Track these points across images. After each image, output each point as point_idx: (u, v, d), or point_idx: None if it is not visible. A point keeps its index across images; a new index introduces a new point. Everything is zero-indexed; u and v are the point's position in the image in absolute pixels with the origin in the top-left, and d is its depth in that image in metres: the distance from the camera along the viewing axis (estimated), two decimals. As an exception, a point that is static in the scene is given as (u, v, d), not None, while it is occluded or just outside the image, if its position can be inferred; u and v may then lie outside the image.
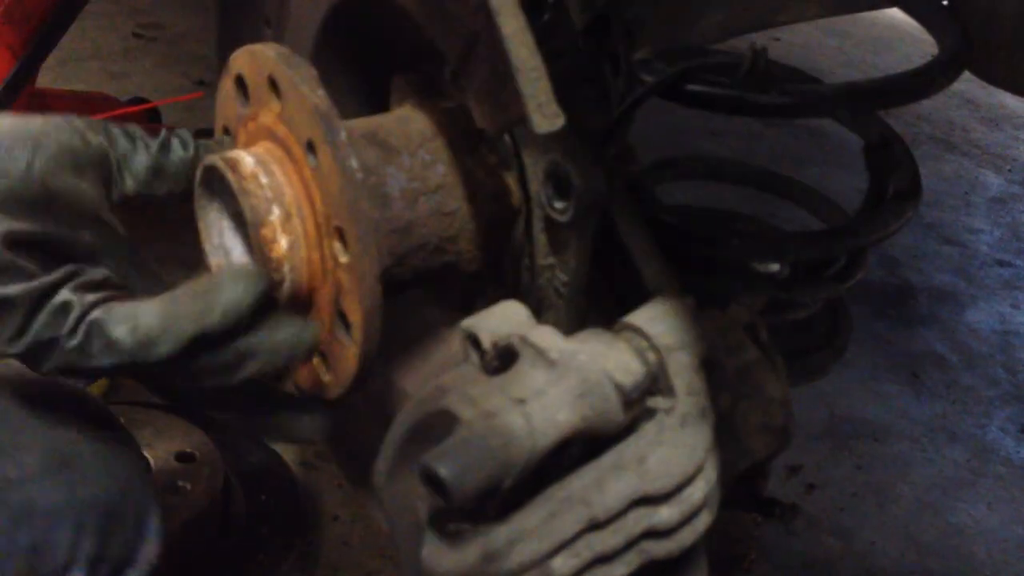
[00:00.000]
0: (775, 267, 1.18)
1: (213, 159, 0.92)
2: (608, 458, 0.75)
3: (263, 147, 0.93)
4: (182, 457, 1.62)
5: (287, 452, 1.79)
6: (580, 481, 0.74)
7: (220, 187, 0.93)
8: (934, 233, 2.93)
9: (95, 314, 0.80)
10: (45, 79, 1.95)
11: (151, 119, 2.36)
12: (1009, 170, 3.43)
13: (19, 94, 1.85)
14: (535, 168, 0.94)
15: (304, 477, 1.76)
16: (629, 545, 0.76)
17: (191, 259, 2.22)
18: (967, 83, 3.85)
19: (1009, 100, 3.84)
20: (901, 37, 3.92)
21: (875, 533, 1.91)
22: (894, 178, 1.23)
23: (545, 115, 0.79)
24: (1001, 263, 2.86)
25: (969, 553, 1.92)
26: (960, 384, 2.36)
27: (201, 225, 0.98)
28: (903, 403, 2.27)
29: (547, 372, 0.73)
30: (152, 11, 3.38)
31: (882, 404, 2.25)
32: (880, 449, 2.13)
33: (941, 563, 1.88)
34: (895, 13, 3.60)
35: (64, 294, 0.80)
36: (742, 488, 1.00)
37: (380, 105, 1.14)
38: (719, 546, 0.89)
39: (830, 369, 1.30)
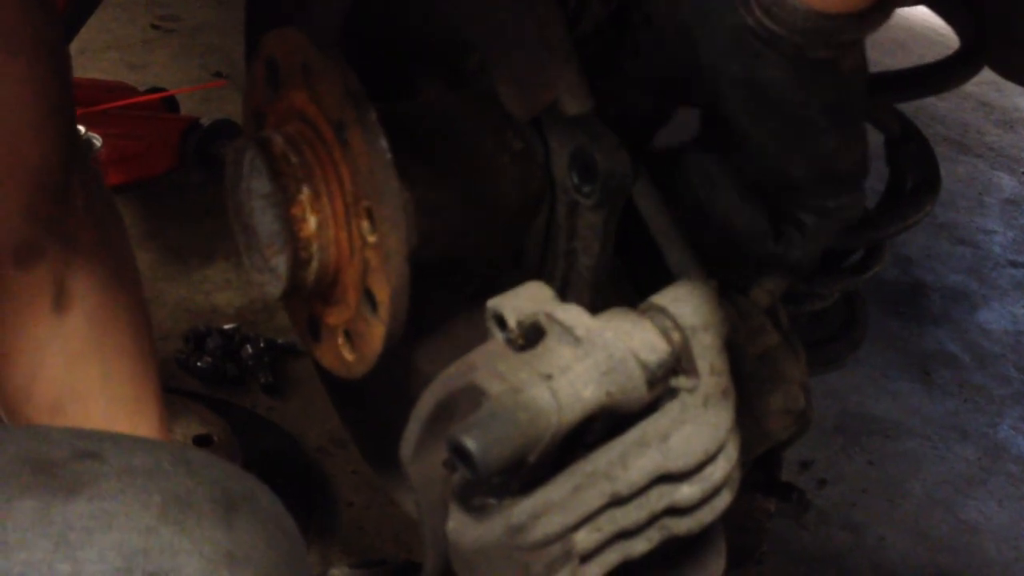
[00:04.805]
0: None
1: (244, 139, 0.94)
2: (632, 435, 0.76)
3: (293, 127, 0.94)
4: (200, 440, 1.64)
5: (303, 438, 1.81)
6: (604, 456, 0.75)
7: (250, 168, 0.95)
8: (947, 233, 2.94)
9: None
10: (66, 68, 1.96)
11: (169, 108, 2.38)
12: (1023, 172, 3.43)
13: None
14: (560, 153, 0.96)
15: (319, 463, 1.78)
16: (651, 521, 0.77)
17: (209, 247, 2.24)
18: (982, 86, 3.86)
19: (1024, 103, 3.85)
20: (916, 38, 3.92)
21: (886, 528, 1.92)
22: (914, 172, 1.24)
23: (575, 97, 0.80)
24: (1014, 264, 2.87)
25: (979, 549, 1.92)
26: (972, 383, 2.37)
27: (230, 206, 1.00)
28: (915, 401, 2.28)
29: (573, 348, 0.75)
30: (170, 3, 3.39)
31: (894, 401, 2.26)
32: (891, 446, 2.14)
33: (951, 559, 1.89)
34: (910, 14, 3.59)
35: None
36: (759, 472, 1.02)
37: (404, 94, 1.15)
38: (731, 537, 0.90)
39: (846, 361, 1.31)
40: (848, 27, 0.67)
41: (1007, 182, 3.35)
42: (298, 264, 0.93)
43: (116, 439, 0.77)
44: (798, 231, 0.89)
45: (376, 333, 0.94)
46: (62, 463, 0.69)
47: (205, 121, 2.24)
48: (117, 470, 0.70)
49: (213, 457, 0.79)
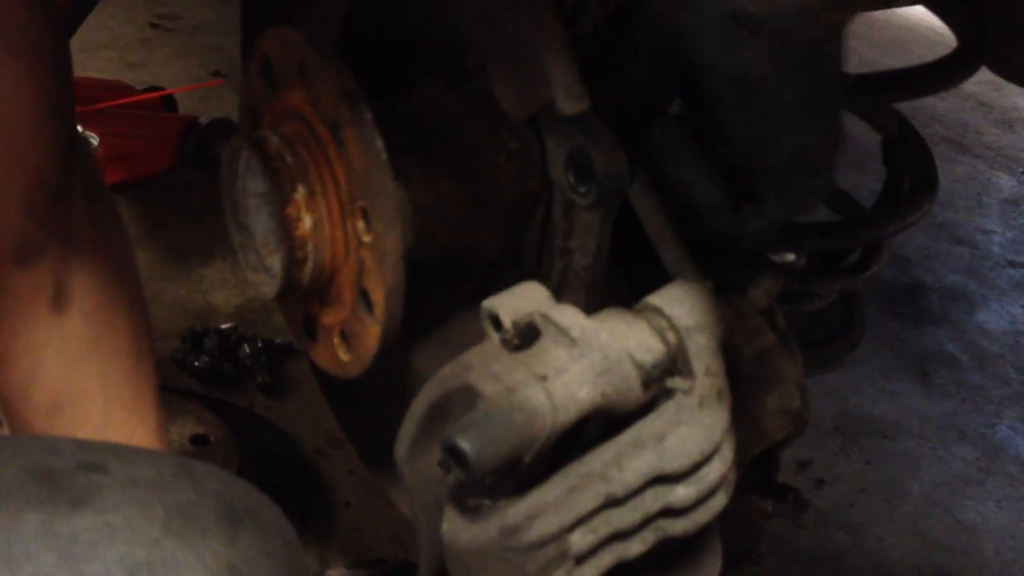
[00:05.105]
0: (791, 257, 1.18)
1: (239, 139, 0.94)
2: (627, 436, 0.76)
3: (289, 127, 0.94)
4: (197, 440, 1.64)
5: (300, 438, 1.80)
6: (599, 457, 0.75)
7: (245, 167, 0.95)
8: (946, 233, 2.94)
9: None
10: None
11: (167, 107, 2.38)
12: (1022, 172, 3.43)
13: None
14: (557, 153, 0.95)
15: (317, 463, 1.77)
16: (646, 522, 0.77)
17: (208, 246, 2.24)
18: (981, 85, 3.86)
19: (1023, 103, 3.84)
20: (915, 39, 3.92)
21: (884, 529, 1.92)
22: (911, 172, 1.24)
23: (571, 97, 0.80)
24: (1013, 264, 2.87)
25: (977, 550, 1.92)
26: (970, 383, 2.37)
27: (226, 205, 1.00)
28: (913, 401, 2.28)
29: (569, 349, 0.74)
30: (169, 2, 3.39)
31: (892, 402, 2.26)
32: (890, 446, 2.13)
33: (949, 559, 1.89)
34: (909, 15, 3.56)
35: None
36: (756, 473, 1.01)
37: (404, 94, 1.15)
38: (728, 538, 0.90)
39: (844, 361, 1.31)
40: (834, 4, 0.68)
41: (1006, 182, 3.35)
42: (293, 264, 0.93)
43: (119, 450, 0.77)
44: (757, 206, 0.89)
45: (371, 333, 0.93)
46: (66, 475, 0.69)
47: (203, 120, 2.24)
48: (121, 482, 0.70)
49: (216, 468, 0.79)
